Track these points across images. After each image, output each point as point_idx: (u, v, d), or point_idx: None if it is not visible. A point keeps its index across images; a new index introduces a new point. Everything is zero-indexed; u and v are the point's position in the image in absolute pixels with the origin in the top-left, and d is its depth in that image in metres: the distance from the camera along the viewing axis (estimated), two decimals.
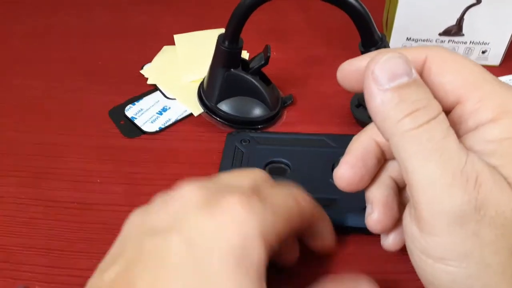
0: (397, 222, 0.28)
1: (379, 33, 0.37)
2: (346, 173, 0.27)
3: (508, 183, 0.21)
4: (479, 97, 0.22)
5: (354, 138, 0.28)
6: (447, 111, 0.23)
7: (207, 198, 0.24)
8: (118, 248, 0.25)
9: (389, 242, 0.28)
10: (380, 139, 0.27)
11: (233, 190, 0.24)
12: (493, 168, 0.21)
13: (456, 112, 0.23)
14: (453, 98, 0.23)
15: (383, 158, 0.28)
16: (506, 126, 0.21)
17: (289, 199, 0.27)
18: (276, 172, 0.36)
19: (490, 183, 0.20)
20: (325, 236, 0.30)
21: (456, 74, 0.23)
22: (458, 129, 0.23)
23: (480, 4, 0.44)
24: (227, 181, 0.27)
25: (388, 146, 0.26)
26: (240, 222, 0.23)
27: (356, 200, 0.33)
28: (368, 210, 0.28)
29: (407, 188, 0.23)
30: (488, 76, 0.23)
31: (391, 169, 0.28)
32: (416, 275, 0.30)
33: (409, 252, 0.25)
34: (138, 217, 0.25)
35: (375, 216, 0.27)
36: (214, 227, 0.23)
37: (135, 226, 0.25)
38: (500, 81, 0.23)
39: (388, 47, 0.38)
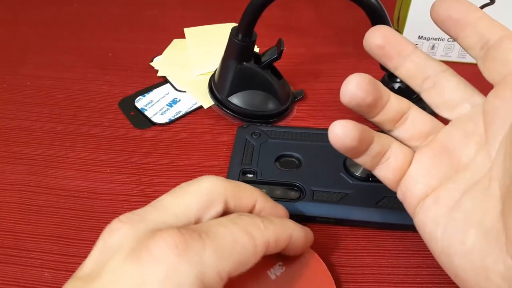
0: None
1: (393, 28, 0.37)
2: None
3: None
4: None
5: None
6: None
7: (136, 242, 0.21)
8: None
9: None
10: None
11: (165, 229, 0.21)
12: None
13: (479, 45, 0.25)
14: (477, 35, 0.25)
15: None
16: None
17: (239, 234, 0.23)
18: (287, 166, 0.36)
19: None
20: (297, 250, 0.27)
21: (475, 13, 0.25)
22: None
23: (494, 4, 0.44)
24: (165, 212, 0.24)
25: None
26: (171, 270, 0.20)
27: (367, 195, 0.33)
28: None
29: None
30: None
31: None
32: (427, 270, 0.30)
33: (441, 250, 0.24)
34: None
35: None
36: (141, 276, 0.20)
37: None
38: None
39: None
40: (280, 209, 0.29)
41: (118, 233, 0.22)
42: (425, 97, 0.27)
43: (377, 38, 0.26)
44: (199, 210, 0.24)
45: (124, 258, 0.21)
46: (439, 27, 0.26)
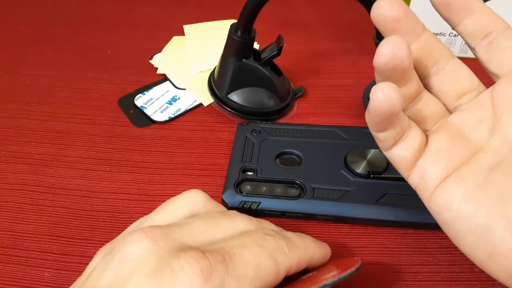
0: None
1: None
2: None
3: None
4: None
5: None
6: None
7: (158, 260, 0.21)
8: None
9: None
10: None
11: (189, 251, 0.21)
12: None
13: None
14: None
15: None
16: None
17: (263, 258, 0.23)
18: (288, 163, 0.36)
19: None
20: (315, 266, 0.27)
21: None
22: None
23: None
24: (189, 233, 0.24)
25: None
26: None
27: (368, 192, 0.33)
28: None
29: None
30: None
31: None
32: (428, 268, 0.30)
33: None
34: (93, 263, 0.24)
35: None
36: None
37: (84, 276, 0.23)
38: None
39: None
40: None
41: (140, 247, 0.22)
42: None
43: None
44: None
45: (146, 277, 0.21)
46: (439, 11, 0.26)
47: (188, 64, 0.48)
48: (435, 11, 0.45)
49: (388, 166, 0.34)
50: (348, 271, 0.24)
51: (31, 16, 0.58)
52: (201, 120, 0.42)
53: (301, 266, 0.25)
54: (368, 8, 0.36)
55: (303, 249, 0.25)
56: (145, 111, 0.43)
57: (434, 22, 0.46)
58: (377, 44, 0.37)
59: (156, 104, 0.43)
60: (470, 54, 0.47)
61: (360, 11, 0.36)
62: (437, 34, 0.47)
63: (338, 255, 0.31)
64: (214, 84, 0.42)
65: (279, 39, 0.40)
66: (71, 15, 0.58)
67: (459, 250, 0.24)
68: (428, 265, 0.30)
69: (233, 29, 0.39)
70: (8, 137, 0.41)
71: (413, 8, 0.46)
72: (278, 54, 0.40)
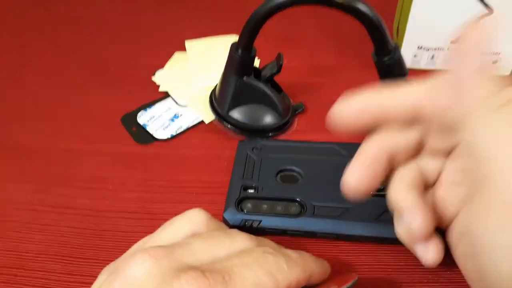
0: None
1: (392, 42, 0.37)
2: (354, 177, 0.26)
3: None
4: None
5: (363, 145, 0.27)
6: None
7: (160, 279, 0.22)
8: None
9: (433, 251, 0.26)
10: (389, 144, 0.27)
11: (189, 270, 0.22)
12: None
13: None
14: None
15: (392, 165, 0.27)
16: None
17: (263, 277, 0.23)
18: (288, 180, 0.36)
19: None
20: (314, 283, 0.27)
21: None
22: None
23: (492, 14, 0.44)
24: (190, 253, 0.24)
25: (400, 150, 0.26)
26: None
27: (368, 210, 0.33)
28: (405, 217, 0.26)
29: (475, 181, 0.22)
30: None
31: (413, 171, 0.27)
32: (428, 285, 0.30)
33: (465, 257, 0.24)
34: (97, 283, 0.25)
35: (419, 220, 0.25)
36: None
37: None
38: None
39: (401, 56, 0.37)
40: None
41: (143, 267, 0.22)
42: None
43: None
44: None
45: None
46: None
47: (190, 81, 0.49)
48: (433, 26, 0.46)
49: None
50: (344, 287, 0.25)
51: (30, 32, 0.58)
52: (202, 137, 0.43)
53: (300, 283, 0.25)
54: (364, 24, 0.36)
55: (303, 266, 0.26)
56: (147, 128, 0.43)
57: (433, 38, 0.47)
58: (375, 62, 0.38)
59: (158, 121, 0.44)
60: None
61: (360, 27, 0.36)
62: (436, 49, 0.47)
63: (338, 272, 0.31)
64: (215, 101, 0.43)
65: (279, 57, 0.40)
66: (73, 32, 0.58)
67: (458, 268, 0.24)
68: (428, 282, 0.30)
69: (234, 47, 0.39)
70: (11, 156, 0.41)
71: (411, 25, 0.46)
72: (278, 72, 0.40)
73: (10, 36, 0.58)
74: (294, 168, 0.37)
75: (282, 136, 0.42)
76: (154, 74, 0.50)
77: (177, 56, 0.53)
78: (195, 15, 0.61)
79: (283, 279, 0.24)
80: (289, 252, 0.27)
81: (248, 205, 0.34)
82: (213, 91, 0.44)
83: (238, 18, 0.38)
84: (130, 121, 0.44)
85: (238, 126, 0.41)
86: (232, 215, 0.34)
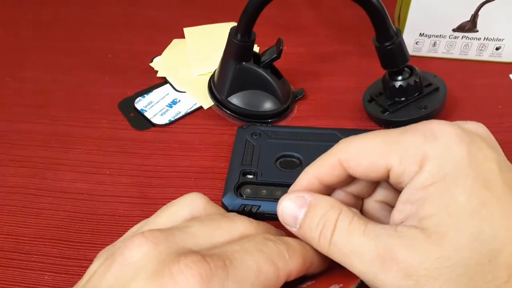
0: None
1: (394, 27, 0.36)
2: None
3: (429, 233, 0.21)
4: (399, 159, 0.23)
5: (302, 173, 0.28)
6: (386, 178, 0.24)
7: (158, 263, 0.21)
8: None
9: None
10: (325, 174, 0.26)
11: (189, 254, 0.21)
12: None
13: (392, 176, 0.23)
14: (382, 171, 0.23)
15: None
16: (427, 173, 0.22)
17: (264, 263, 0.22)
18: (288, 166, 0.36)
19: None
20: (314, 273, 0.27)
21: (366, 158, 0.24)
22: (401, 187, 0.23)
23: (495, 0, 0.43)
24: (190, 236, 0.24)
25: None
26: None
27: None
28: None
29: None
30: (390, 137, 0.23)
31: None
32: None
33: None
34: (94, 266, 0.24)
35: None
36: None
37: (85, 279, 0.24)
38: (400, 130, 0.23)
39: (403, 41, 0.37)
40: None
41: (140, 251, 0.22)
42: None
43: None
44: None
45: (147, 280, 0.21)
46: None
47: (188, 67, 0.48)
48: (435, 13, 0.45)
49: None
50: None
51: (30, 19, 0.58)
52: (201, 123, 0.42)
53: (301, 272, 0.25)
54: (368, 11, 0.36)
55: (303, 255, 0.25)
56: (145, 114, 0.43)
57: (435, 25, 0.47)
58: (376, 47, 0.38)
59: (156, 107, 0.43)
60: (470, 56, 0.47)
61: (360, 13, 0.36)
62: (437, 36, 0.47)
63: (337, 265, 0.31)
64: (214, 87, 0.42)
65: (279, 42, 0.40)
66: (70, 18, 0.58)
67: None
68: None
69: (233, 32, 0.39)
70: (8, 140, 0.41)
71: (412, 12, 0.46)
72: (278, 57, 0.40)
73: (9, 24, 0.57)
74: (293, 154, 0.36)
75: (282, 122, 0.42)
76: (151, 60, 0.50)
77: (176, 43, 0.53)
78: (194, 3, 0.60)
79: (284, 266, 0.23)
80: (290, 239, 0.26)
81: (247, 190, 0.34)
82: (212, 76, 0.43)
83: (238, 6, 0.38)
84: (128, 106, 0.44)
85: (237, 112, 0.41)
86: (231, 200, 0.33)
